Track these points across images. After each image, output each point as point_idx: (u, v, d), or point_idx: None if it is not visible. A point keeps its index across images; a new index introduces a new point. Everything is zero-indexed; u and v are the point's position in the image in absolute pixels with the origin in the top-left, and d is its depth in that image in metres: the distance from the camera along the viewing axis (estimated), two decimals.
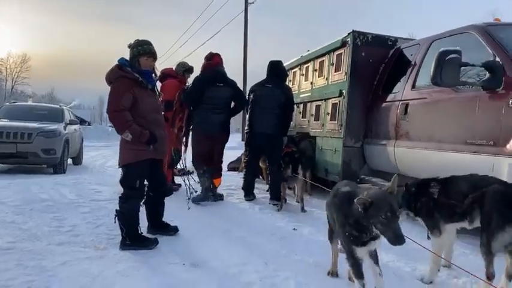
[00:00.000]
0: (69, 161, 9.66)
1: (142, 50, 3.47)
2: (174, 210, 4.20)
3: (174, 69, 6.20)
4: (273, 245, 3.51)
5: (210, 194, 5.22)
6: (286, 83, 6.19)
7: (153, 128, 3.44)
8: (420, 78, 4.28)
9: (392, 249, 1.97)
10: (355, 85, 5.09)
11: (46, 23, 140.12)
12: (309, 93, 6.44)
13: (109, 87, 3.42)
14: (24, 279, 2.59)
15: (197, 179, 5.32)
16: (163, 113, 4.24)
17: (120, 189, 3.49)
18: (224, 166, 6.16)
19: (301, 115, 6.68)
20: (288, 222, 4.31)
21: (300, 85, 6.92)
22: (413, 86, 4.35)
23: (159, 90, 3.97)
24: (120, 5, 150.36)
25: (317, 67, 6.22)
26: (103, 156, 13.31)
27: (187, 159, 5.61)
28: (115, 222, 3.39)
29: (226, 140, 5.50)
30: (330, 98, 5.56)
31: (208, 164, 5.32)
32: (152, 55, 3.53)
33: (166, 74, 5.94)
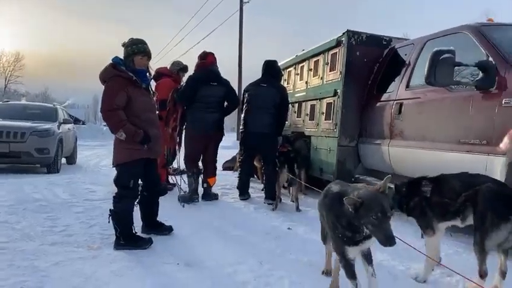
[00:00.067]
0: (63, 160, 9.60)
1: (137, 48, 3.46)
2: (168, 209, 4.19)
3: (168, 68, 6.19)
4: (267, 245, 3.51)
5: (195, 196, 5.22)
6: (281, 82, 6.19)
7: (147, 127, 3.42)
8: (414, 77, 4.30)
9: (386, 248, 1.96)
10: (349, 84, 5.10)
11: (40, 22, 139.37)
12: (304, 93, 6.44)
13: (103, 86, 3.40)
14: (16, 279, 2.57)
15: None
16: (157, 112, 4.24)
17: (114, 189, 3.48)
18: (219, 165, 6.15)
19: (296, 114, 6.69)
20: (283, 222, 4.32)
21: (295, 84, 6.93)
22: (407, 86, 4.37)
23: (153, 89, 3.96)
24: (115, 4, 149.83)
25: (312, 66, 6.23)
26: (97, 156, 13.25)
27: (181, 158, 5.60)
28: (109, 221, 3.37)
29: (221, 139, 5.49)
30: (325, 98, 5.57)
31: (198, 166, 5.35)
32: (147, 54, 3.52)
33: (160, 73, 5.92)
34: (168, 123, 5.61)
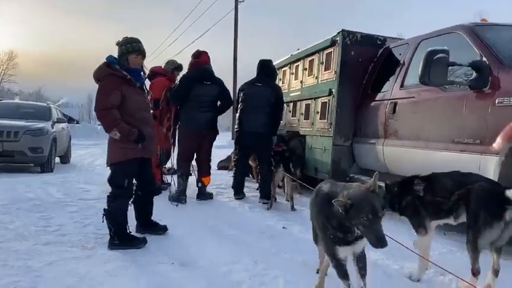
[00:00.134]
0: (57, 159, 9.55)
1: (131, 47, 3.44)
2: (163, 209, 4.18)
3: (163, 67, 6.16)
4: (262, 244, 3.51)
5: (183, 197, 5.18)
6: (276, 82, 6.19)
7: (142, 126, 3.41)
8: (408, 77, 4.32)
9: None
10: (344, 84, 5.11)
11: (34, 20, 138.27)
12: (299, 92, 6.45)
13: (97, 85, 3.39)
14: (10, 279, 2.55)
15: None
16: (152, 111, 4.22)
17: (108, 188, 3.46)
18: (214, 165, 6.14)
19: (291, 114, 6.69)
20: (278, 221, 4.32)
21: (290, 84, 6.93)
22: (401, 85, 4.38)
23: (147, 88, 3.95)
24: (109, 3, 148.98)
25: (307, 66, 6.23)
26: (91, 155, 13.19)
27: (175, 157, 5.59)
28: (103, 221, 3.36)
29: (214, 138, 5.48)
30: (320, 97, 5.58)
31: (189, 167, 5.35)
32: (141, 53, 3.50)
33: (155, 72, 5.91)
34: (162, 122, 5.59)
